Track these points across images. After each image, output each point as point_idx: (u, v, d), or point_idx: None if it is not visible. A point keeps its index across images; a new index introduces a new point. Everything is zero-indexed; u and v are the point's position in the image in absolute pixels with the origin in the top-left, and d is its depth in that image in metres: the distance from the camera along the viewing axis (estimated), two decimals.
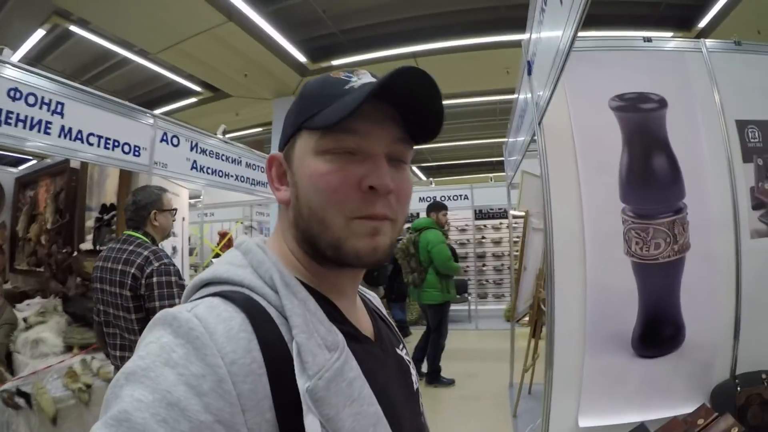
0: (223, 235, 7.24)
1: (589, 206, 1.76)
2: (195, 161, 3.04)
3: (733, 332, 1.73)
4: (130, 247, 1.73)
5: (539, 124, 1.74)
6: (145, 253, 1.70)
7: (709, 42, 1.89)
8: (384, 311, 0.65)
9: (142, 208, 1.82)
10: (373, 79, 0.47)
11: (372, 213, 0.45)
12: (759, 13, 4.03)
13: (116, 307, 1.69)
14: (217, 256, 6.64)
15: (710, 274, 1.75)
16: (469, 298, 7.17)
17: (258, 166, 3.75)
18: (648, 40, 1.91)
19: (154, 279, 1.65)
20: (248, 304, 0.41)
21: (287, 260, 0.48)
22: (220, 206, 6.65)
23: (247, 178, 3.66)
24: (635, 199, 1.77)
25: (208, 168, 3.18)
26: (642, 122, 1.81)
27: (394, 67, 0.41)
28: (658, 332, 1.74)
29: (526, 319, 3.52)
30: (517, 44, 2.25)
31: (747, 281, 1.72)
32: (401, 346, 0.59)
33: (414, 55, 5.28)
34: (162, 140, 2.75)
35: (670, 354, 1.72)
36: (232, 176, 3.46)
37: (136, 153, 2.54)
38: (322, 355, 0.40)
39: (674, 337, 1.74)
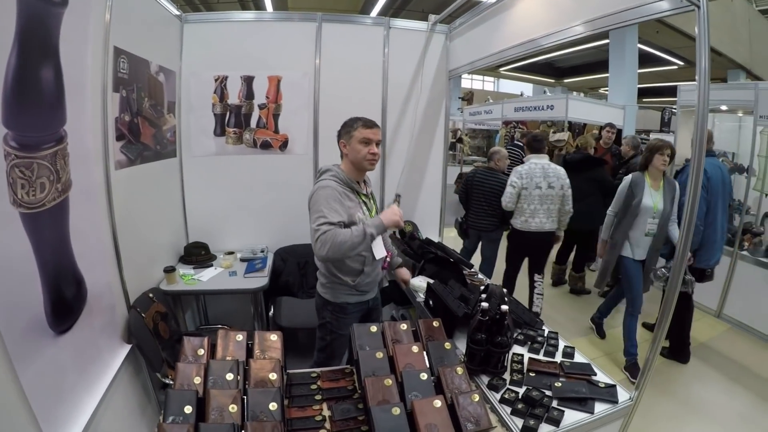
0: None
1: None
2: None
3: (116, 264, 1.70)
4: None
5: None
6: None
7: None
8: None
9: None
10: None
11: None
12: None
13: None
14: None
15: (91, 212, 1.57)
16: None
17: None
18: None
19: None
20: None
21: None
22: None
23: None
24: (19, 124, 1.20)
25: None
26: (41, 16, 1.18)
27: None
28: (64, 297, 1.38)
29: None
30: None
31: (117, 212, 1.71)
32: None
33: None
34: None
35: (81, 316, 1.44)
36: None
37: None
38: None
39: (79, 296, 1.46)
